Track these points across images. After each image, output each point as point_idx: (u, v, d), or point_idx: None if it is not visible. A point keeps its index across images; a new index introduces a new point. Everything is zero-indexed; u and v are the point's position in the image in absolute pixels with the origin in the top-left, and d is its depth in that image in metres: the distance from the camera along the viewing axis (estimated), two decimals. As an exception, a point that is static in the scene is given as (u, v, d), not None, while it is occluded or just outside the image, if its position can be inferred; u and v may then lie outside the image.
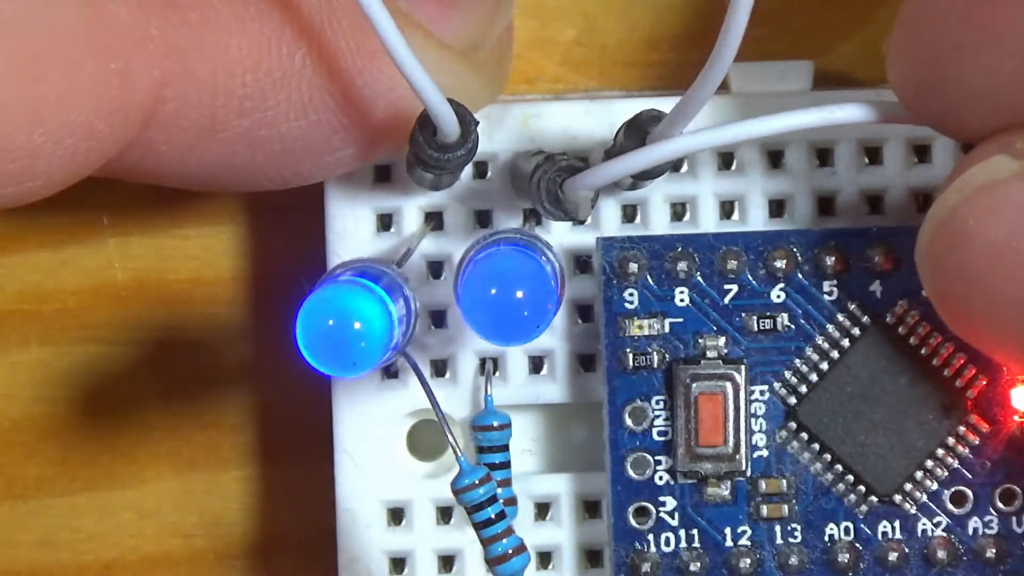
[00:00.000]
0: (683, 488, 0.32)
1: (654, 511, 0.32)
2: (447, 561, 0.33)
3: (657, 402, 0.32)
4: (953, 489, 0.32)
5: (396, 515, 0.33)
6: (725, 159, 0.33)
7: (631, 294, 0.32)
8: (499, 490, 0.31)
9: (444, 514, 0.33)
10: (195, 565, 0.35)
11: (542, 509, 0.33)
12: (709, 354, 0.32)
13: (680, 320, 0.32)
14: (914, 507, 0.32)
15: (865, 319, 0.32)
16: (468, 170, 0.32)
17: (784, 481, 0.32)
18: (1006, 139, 0.27)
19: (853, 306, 0.32)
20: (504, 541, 0.30)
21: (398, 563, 0.33)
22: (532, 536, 0.33)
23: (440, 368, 0.33)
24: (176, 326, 0.35)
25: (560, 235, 0.33)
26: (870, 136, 0.33)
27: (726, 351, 0.32)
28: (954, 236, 0.27)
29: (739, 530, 0.32)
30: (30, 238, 0.35)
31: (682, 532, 0.32)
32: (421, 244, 0.32)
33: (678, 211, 0.33)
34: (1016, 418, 0.32)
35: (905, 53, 0.28)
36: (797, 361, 0.32)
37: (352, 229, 0.33)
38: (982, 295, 0.26)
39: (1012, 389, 0.32)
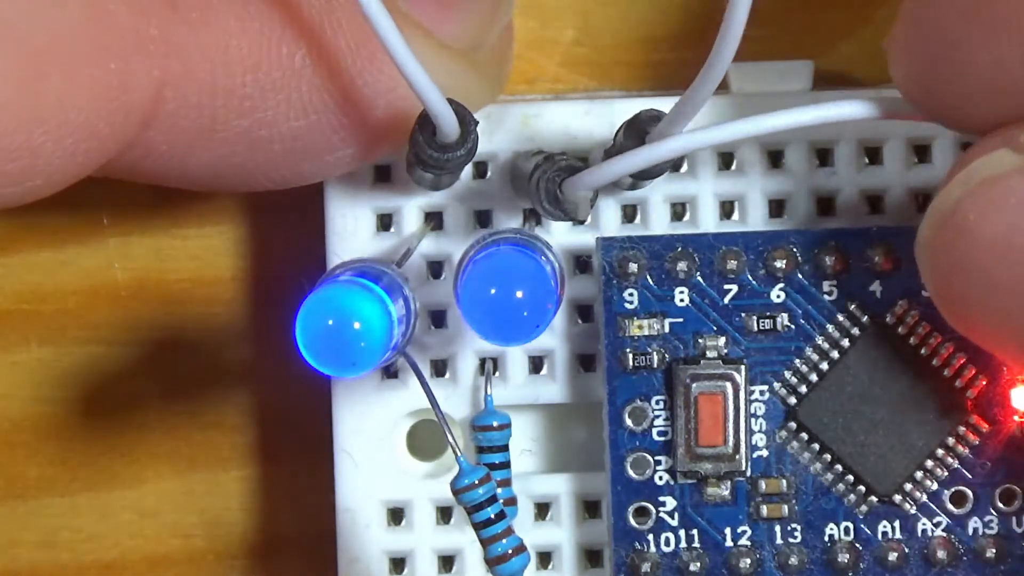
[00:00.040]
0: (683, 488, 0.32)
1: (654, 511, 0.32)
2: (447, 561, 0.33)
3: (657, 402, 0.32)
4: (953, 489, 0.32)
5: (396, 515, 0.33)
6: (725, 159, 0.33)
7: (631, 294, 0.32)
8: (499, 490, 0.31)
9: (444, 514, 0.33)
10: (195, 565, 0.35)
11: (542, 509, 0.33)
12: (709, 354, 0.32)
13: (680, 320, 0.32)
14: (914, 507, 0.32)
15: (865, 319, 0.32)
16: (468, 170, 0.32)
17: (784, 481, 0.32)
18: (1009, 133, 0.27)
19: (853, 306, 0.32)
20: (504, 541, 0.30)
21: (398, 563, 0.33)
22: (532, 536, 0.33)
23: (440, 368, 0.33)
24: (176, 326, 0.35)
25: (560, 235, 0.33)
26: (870, 136, 0.33)
27: (726, 351, 0.32)
28: (955, 230, 0.27)
29: (739, 530, 0.32)
30: (30, 238, 0.35)
31: (682, 532, 0.32)
32: (421, 244, 0.32)
33: (678, 211, 0.33)
34: (1016, 418, 0.32)
35: (908, 47, 0.28)
36: (797, 361, 0.32)
37: (352, 229, 0.33)
38: (982, 289, 0.26)
39: (1012, 389, 0.32)
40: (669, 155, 0.29)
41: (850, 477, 0.32)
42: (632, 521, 0.32)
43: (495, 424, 0.32)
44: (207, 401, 0.35)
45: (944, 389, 0.32)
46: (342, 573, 0.33)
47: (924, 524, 0.32)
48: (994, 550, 0.32)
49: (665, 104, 0.29)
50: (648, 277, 0.32)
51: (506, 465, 0.32)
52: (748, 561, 0.32)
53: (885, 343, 0.32)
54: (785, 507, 0.32)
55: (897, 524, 0.32)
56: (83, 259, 0.35)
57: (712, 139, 0.29)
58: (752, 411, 0.32)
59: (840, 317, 0.32)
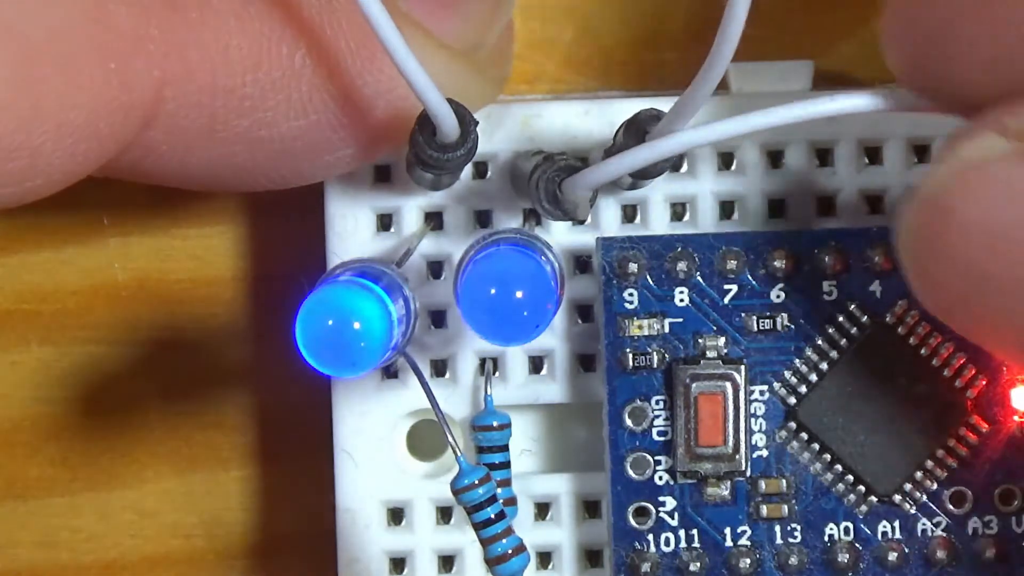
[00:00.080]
0: (683, 488, 0.32)
1: (654, 511, 0.32)
2: (447, 561, 0.33)
3: (657, 402, 0.32)
4: (953, 489, 0.32)
5: (396, 515, 0.33)
6: (725, 159, 0.33)
7: (631, 294, 0.32)
8: (499, 490, 0.31)
9: (444, 514, 0.33)
10: (195, 565, 0.35)
11: (542, 509, 0.33)
12: (709, 354, 0.32)
13: (680, 320, 0.32)
14: (914, 507, 0.32)
15: (865, 319, 0.32)
16: (468, 170, 0.32)
17: (784, 481, 0.32)
18: (996, 118, 0.26)
19: (853, 306, 0.32)
20: (504, 541, 0.30)
21: (398, 563, 0.33)
22: (532, 536, 0.33)
23: (440, 368, 0.33)
24: (176, 326, 0.35)
25: (560, 235, 0.33)
26: (870, 136, 0.33)
27: (726, 351, 0.32)
28: (939, 215, 0.26)
29: (739, 530, 0.32)
30: (30, 238, 0.35)
31: (682, 532, 0.32)
32: (421, 244, 0.32)
33: (678, 211, 0.33)
34: (1016, 418, 0.32)
35: (900, 27, 0.27)
36: (797, 361, 0.32)
37: (352, 229, 0.33)
38: (963, 277, 0.26)
39: (1012, 389, 0.32)
40: (668, 153, 0.29)
41: (850, 477, 0.32)
42: (632, 521, 0.32)
43: (495, 424, 0.32)
44: (207, 401, 0.35)
45: (944, 389, 0.32)
46: (342, 573, 0.33)
47: (924, 524, 0.32)
48: (994, 550, 0.32)
49: (665, 104, 0.29)
50: (648, 277, 0.32)
51: (506, 465, 0.32)
52: (748, 561, 0.32)
53: (885, 343, 0.32)
54: (785, 507, 0.32)
55: (897, 524, 0.32)
56: (83, 259, 0.35)
57: (706, 136, 0.28)
58: (752, 411, 0.32)
59: (840, 317, 0.32)
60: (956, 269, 0.26)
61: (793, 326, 0.32)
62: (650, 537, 0.32)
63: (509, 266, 0.29)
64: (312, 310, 0.28)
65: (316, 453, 0.34)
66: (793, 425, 0.32)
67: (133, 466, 0.35)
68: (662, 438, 0.32)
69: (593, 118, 0.32)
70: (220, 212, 0.35)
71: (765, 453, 0.32)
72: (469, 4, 0.31)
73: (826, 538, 0.32)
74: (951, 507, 0.32)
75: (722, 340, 0.32)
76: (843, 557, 0.32)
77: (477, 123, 0.29)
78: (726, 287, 0.32)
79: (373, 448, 0.33)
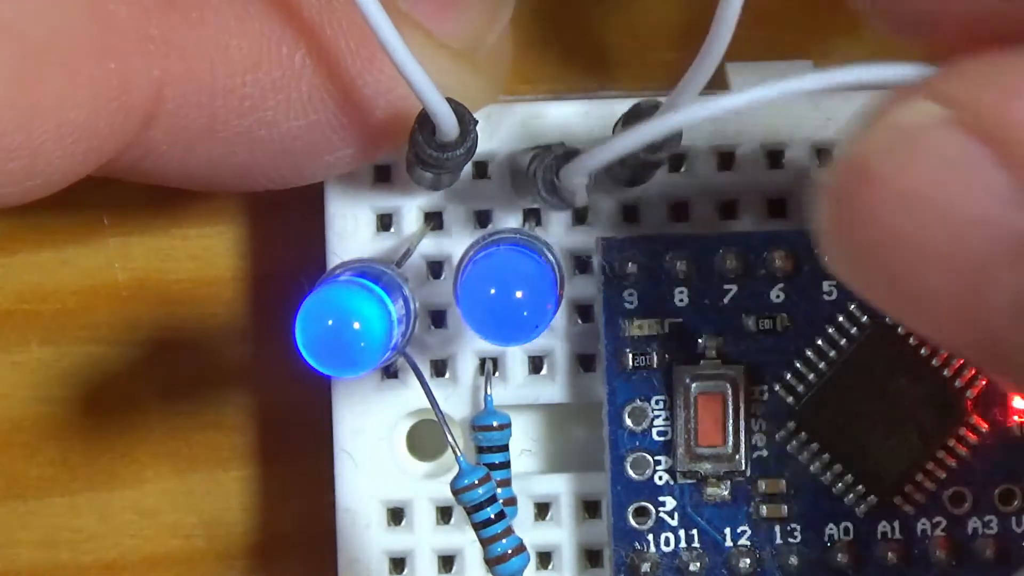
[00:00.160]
0: (683, 488, 0.32)
1: (654, 511, 0.32)
2: (447, 561, 0.33)
3: (657, 402, 0.32)
4: (952, 489, 0.32)
5: (396, 515, 0.33)
6: (725, 159, 0.33)
7: (631, 294, 0.32)
8: (499, 490, 0.31)
9: (444, 514, 0.33)
10: (195, 565, 0.35)
11: (542, 509, 0.33)
12: (709, 354, 0.32)
13: (680, 320, 0.32)
14: (914, 507, 0.32)
15: (865, 319, 0.32)
16: (468, 170, 0.32)
17: (784, 481, 0.32)
18: (931, 83, 0.25)
19: (853, 306, 0.32)
20: (504, 541, 0.30)
21: (398, 563, 0.33)
22: (532, 536, 0.33)
23: (440, 368, 0.33)
24: (176, 326, 0.35)
25: (560, 235, 0.33)
26: (870, 136, 0.33)
27: (726, 351, 0.32)
28: (864, 178, 0.25)
29: (739, 530, 0.32)
30: (30, 238, 0.35)
31: (682, 532, 0.32)
32: (421, 244, 0.32)
33: (677, 211, 0.33)
34: (1016, 418, 0.32)
35: None
36: (797, 361, 0.32)
37: (352, 229, 0.33)
38: (884, 245, 0.25)
39: (1012, 389, 0.32)
40: (662, 130, 0.28)
41: (850, 477, 0.32)
42: (632, 521, 0.32)
43: (495, 424, 0.32)
44: (207, 401, 0.35)
45: (944, 389, 0.32)
46: (342, 573, 0.33)
47: (924, 524, 0.32)
48: (994, 550, 0.32)
49: (665, 104, 0.29)
50: (648, 277, 0.32)
51: (506, 465, 0.32)
52: (748, 561, 0.32)
53: (885, 343, 0.32)
54: (785, 507, 0.32)
55: (897, 524, 0.32)
56: (83, 259, 0.35)
57: (699, 113, 0.27)
58: (752, 411, 0.32)
59: (840, 317, 0.32)
60: (877, 236, 0.25)
61: (793, 326, 0.32)
62: (650, 537, 0.32)
63: (509, 266, 0.29)
64: (312, 310, 0.28)
65: (316, 453, 0.34)
66: (793, 425, 0.32)
67: (133, 466, 0.35)
68: (662, 438, 0.32)
69: (593, 118, 0.32)
70: (220, 212, 0.35)
71: (765, 453, 0.32)
72: (469, 4, 0.31)
73: (826, 538, 0.32)
74: (951, 507, 0.32)
75: (722, 340, 0.32)
76: (843, 557, 0.32)
77: (476, 122, 0.29)
78: (726, 287, 0.32)
79: (373, 448, 0.33)
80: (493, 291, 0.29)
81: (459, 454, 0.30)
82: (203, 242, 0.35)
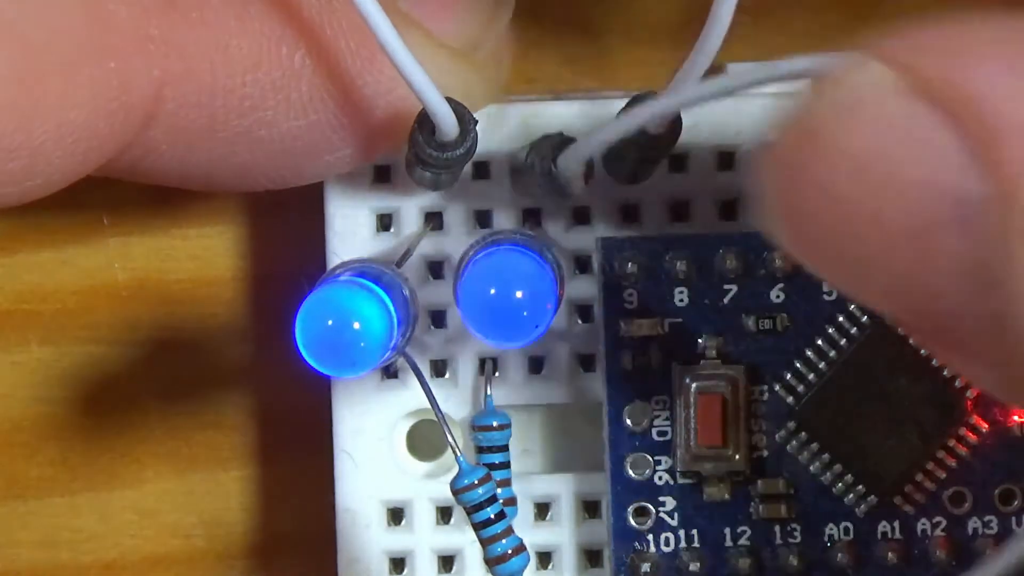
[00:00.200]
0: (683, 488, 0.32)
1: (654, 511, 0.32)
2: (447, 561, 0.33)
3: (657, 402, 0.32)
4: (952, 489, 0.32)
5: (396, 515, 0.33)
6: (724, 159, 0.33)
7: (631, 294, 0.32)
8: (499, 490, 0.31)
9: (444, 514, 0.33)
10: (195, 565, 0.35)
11: (542, 509, 0.33)
12: (709, 354, 0.32)
13: (680, 320, 0.32)
14: (914, 507, 0.32)
15: (865, 319, 0.32)
16: (468, 170, 0.32)
17: (783, 481, 0.32)
18: (883, 47, 0.24)
19: (853, 306, 0.32)
20: (503, 541, 0.30)
21: (398, 563, 0.33)
22: (532, 536, 0.32)
23: (440, 368, 0.33)
24: (176, 326, 0.35)
25: (560, 235, 0.33)
26: (870, 136, 0.33)
27: (726, 351, 0.32)
28: (812, 144, 0.24)
29: (739, 530, 0.32)
30: (30, 238, 0.35)
31: (682, 532, 0.32)
32: (421, 244, 0.32)
33: (677, 211, 0.33)
34: (1016, 418, 0.32)
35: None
36: (797, 361, 0.32)
37: (352, 229, 0.33)
38: (830, 211, 0.24)
39: (1012, 389, 0.32)
40: (657, 113, 0.28)
41: (849, 477, 0.32)
42: (632, 521, 0.32)
43: (495, 424, 0.32)
44: (207, 401, 0.35)
45: (944, 389, 0.32)
46: (342, 573, 0.33)
47: (924, 524, 0.32)
48: (994, 550, 0.32)
49: (665, 104, 0.29)
50: (648, 277, 0.32)
51: (506, 465, 0.32)
52: (748, 561, 0.32)
53: (885, 343, 0.32)
54: (785, 507, 0.32)
55: (897, 524, 0.32)
56: (83, 259, 0.35)
57: (692, 96, 0.27)
58: (752, 411, 0.32)
59: (840, 317, 0.32)
60: (821, 199, 0.24)
61: (793, 326, 0.32)
62: (650, 537, 0.32)
63: (509, 266, 0.29)
64: (312, 310, 0.28)
65: (316, 453, 0.34)
66: (793, 425, 0.32)
67: (133, 466, 0.35)
68: (662, 438, 0.32)
69: (593, 118, 0.32)
70: (220, 212, 0.35)
71: (765, 453, 0.32)
72: (469, 4, 0.31)
73: (826, 538, 0.32)
74: (951, 507, 0.32)
75: (722, 340, 0.32)
76: (843, 557, 0.32)
77: (476, 122, 0.29)
78: (726, 287, 0.32)
79: (373, 448, 0.33)
80: (493, 291, 0.29)
81: (459, 454, 0.30)
82: (203, 242, 0.35)
